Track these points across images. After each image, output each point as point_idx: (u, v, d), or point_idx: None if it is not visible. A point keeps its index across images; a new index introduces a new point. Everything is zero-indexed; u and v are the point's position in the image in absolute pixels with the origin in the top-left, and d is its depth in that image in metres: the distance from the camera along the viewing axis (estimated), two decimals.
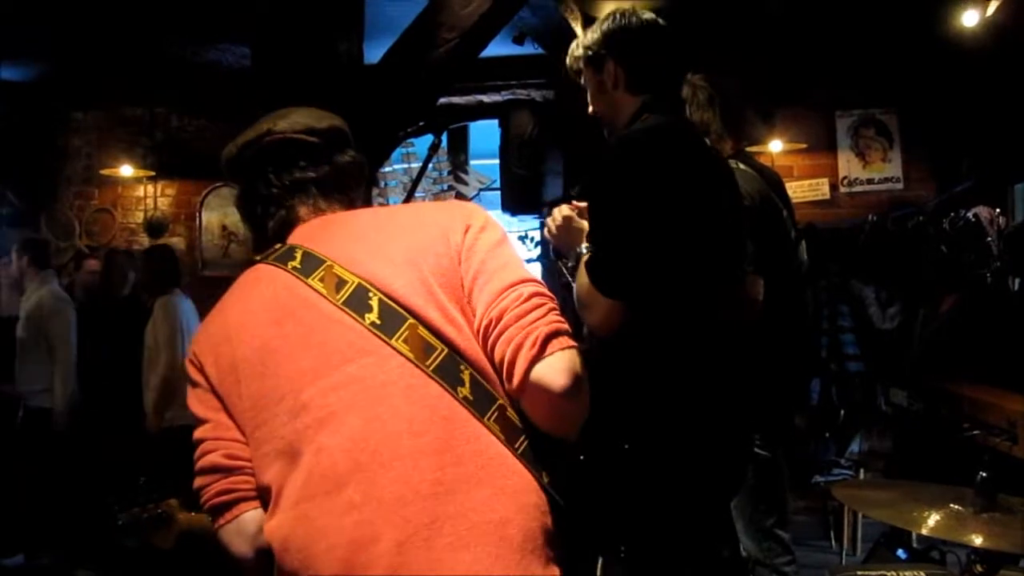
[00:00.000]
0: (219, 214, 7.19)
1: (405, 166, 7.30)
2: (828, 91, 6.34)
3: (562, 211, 2.48)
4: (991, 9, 4.74)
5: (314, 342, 1.53)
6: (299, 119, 1.78)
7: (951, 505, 2.32)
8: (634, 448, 2.11)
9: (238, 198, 1.82)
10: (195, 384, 1.61)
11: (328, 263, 1.59)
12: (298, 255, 1.62)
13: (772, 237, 3.10)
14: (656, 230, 2.14)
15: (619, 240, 2.16)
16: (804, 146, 6.35)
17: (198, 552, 2.15)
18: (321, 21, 3.47)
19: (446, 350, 1.51)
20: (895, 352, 5.56)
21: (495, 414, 1.49)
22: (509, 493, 1.44)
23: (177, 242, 7.26)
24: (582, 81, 2.54)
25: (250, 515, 1.53)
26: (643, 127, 2.34)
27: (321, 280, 1.57)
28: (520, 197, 6.40)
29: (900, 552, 3.71)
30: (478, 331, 1.54)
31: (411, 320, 1.51)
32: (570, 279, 2.45)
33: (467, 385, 1.49)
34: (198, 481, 1.56)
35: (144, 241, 7.28)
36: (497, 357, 1.51)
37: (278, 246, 1.69)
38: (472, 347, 1.53)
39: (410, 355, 1.49)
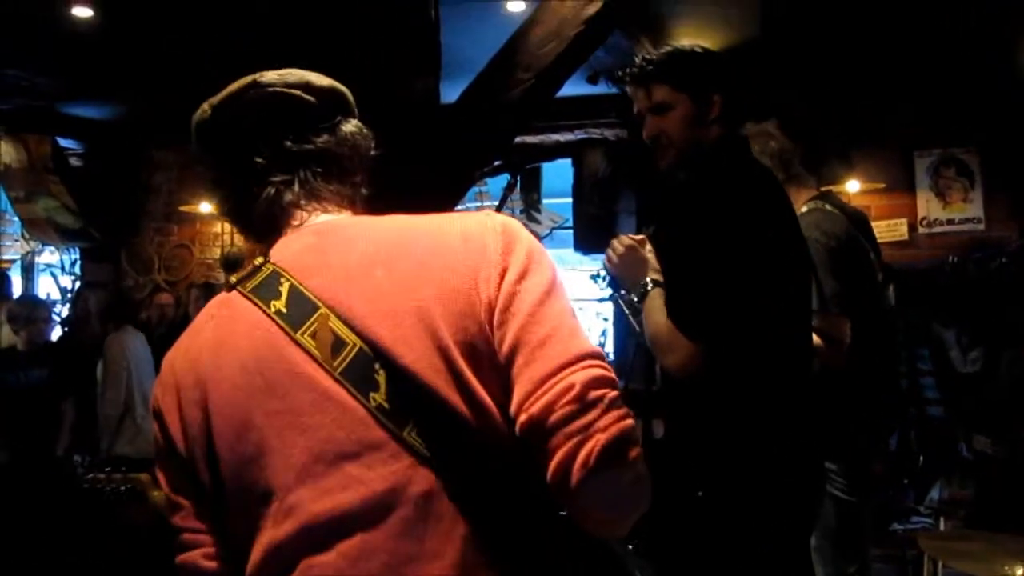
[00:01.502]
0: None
1: (478, 204, 7.33)
2: (906, 130, 6.25)
3: (623, 241, 2.42)
4: None
5: (306, 425, 1.21)
6: (292, 71, 1.43)
7: None
8: (709, 496, 2.07)
9: (212, 179, 1.46)
10: (159, 449, 1.34)
11: (322, 311, 1.24)
12: (283, 290, 1.28)
13: (858, 278, 3.06)
14: (743, 269, 2.09)
15: (705, 278, 2.11)
16: (882, 186, 6.26)
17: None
18: (399, 59, 3.51)
19: (470, 451, 1.20)
20: (977, 397, 5.42)
21: (526, 525, 1.23)
22: None
23: None
24: (652, 98, 2.42)
25: None
26: (729, 161, 2.31)
27: (313, 336, 1.23)
28: (593, 236, 6.39)
29: None
30: (515, 418, 1.20)
31: (426, 405, 1.19)
32: (629, 313, 2.41)
33: (495, 494, 1.21)
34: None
35: (220, 277, 7.39)
36: (540, 462, 1.18)
37: (259, 263, 1.35)
38: (501, 440, 1.21)
39: (425, 453, 1.18)
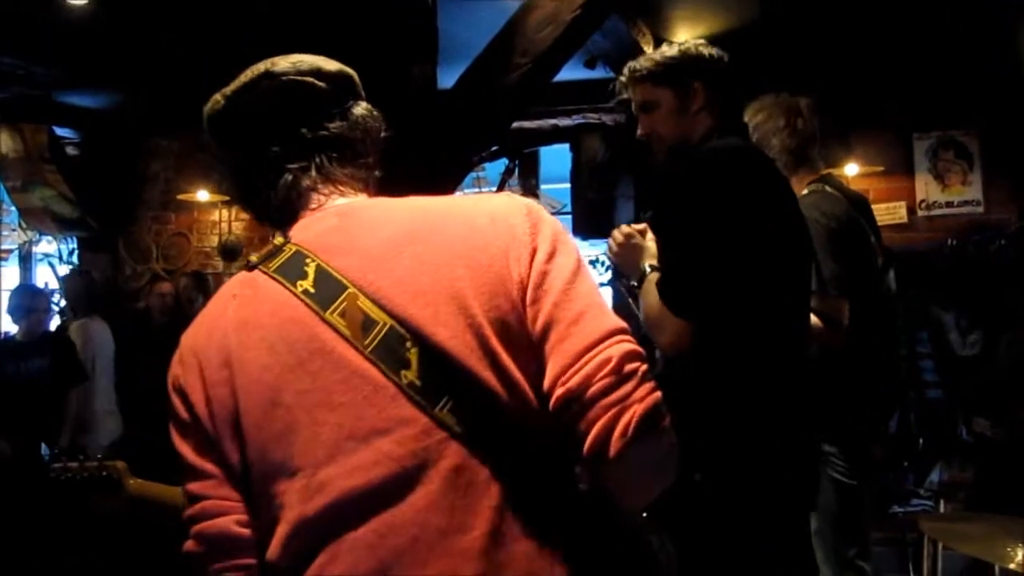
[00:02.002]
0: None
1: (476, 190, 7.33)
2: (905, 113, 6.23)
3: (623, 230, 2.46)
4: None
5: (336, 403, 1.21)
6: (302, 58, 1.43)
7: None
8: (707, 478, 2.07)
9: (226, 167, 1.46)
10: (181, 421, 1.32)
11: (351, 290, 1.24)
12: (310, 271, 1.28)
13: (858, 261, 3.05)
14: (731, 249, 2.12)
15: (692, 259, 2.14)
16: (881, 169, 6.24)
17: (149, 522, 1.95)
18: (395, 45, 3.50)
19: (503, 426, 1.21)
20: (976, 379, 5.43)
21: (557, 500, 1.24)
22: None
23: None
24: (638, 98, 2.50)
25: None
26: (719, 146, 2.33)
27: (342, 315, 1.23)
28: (591, 221, 6.38)
29: None
30: (549, 393, 1.21)
31: (459, 381, 1.20)
32: (630, 299, 2.43)
33: (527, 469, 1.21)
34: (194, 546, 1.30)
35: (218, 265, 7.38)
36: (578, 434, 1.20)
37: (280, 242, 1.35)
38: (532, 416, 1.23)
39: (458, 430, 1.18)
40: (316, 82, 1.40)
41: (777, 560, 2.28)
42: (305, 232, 1.36)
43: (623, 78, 2.51)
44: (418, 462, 1.17)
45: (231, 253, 7.36)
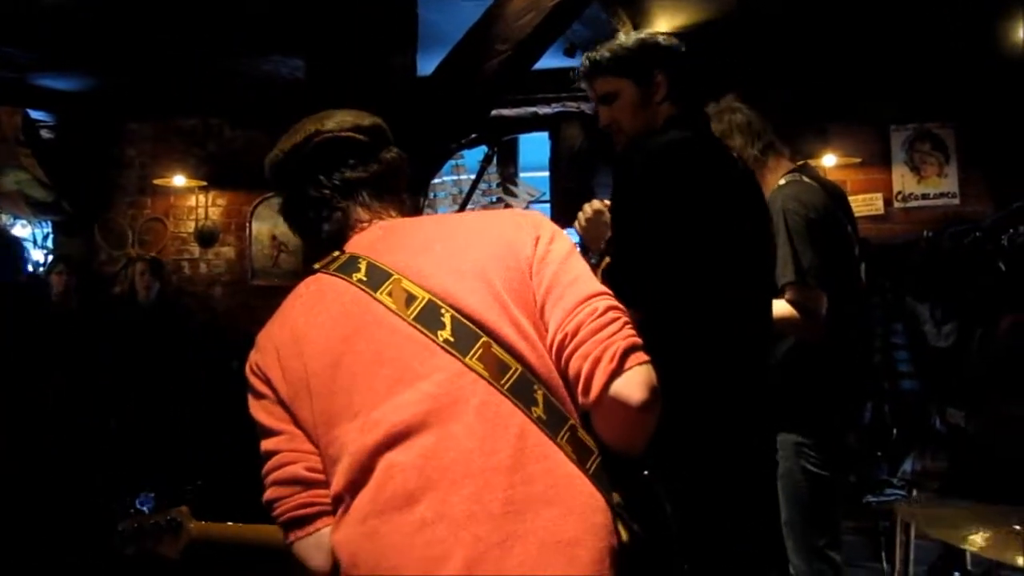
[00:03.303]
0: (269, 224, 7.24)
1: (455, 178, 7.32)
2: (882, 105, 6.27)
3: (593, 206, 2.48)
4: None
5: (386, 358, 1.50)
6: (345, 118, 1.76)
7: (1015, 526, 2.28)
8: (653, 474, 2.07)
9: (285, 205, 1.79)
10: (260, 395, 1.59)
11: (395, 276, 1.56)
12: (362, 266, 1.60)
13: (835, 252, 3.06)
14: (673, 243, 2.13)
15: (634, 250, 2.17)
16: (858, 160, 6.28)
17: (204, 563, 2.10)
18: (375, 33, 3.48)
19: (520, 369, 1.49)
20: (950, 371, 5.47)
21: (567, 434, 1.47)
22: (578, 513, 1.41)
23: (227, 252, 7.34)
24: (598, 90, 2.51)
25: (329, 530, 1.51)
26: (665, 140, 2.32)
27: (389, 294, 1.55)
28: (570, 209, 6.35)
29: (956, 575, 3.64)
30: (551, 346, 1.52)
31: (485, 338, 1.49)
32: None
33: (540, 405, 1.47)
34: (273, 492, 1.54)
35: (195, 251, 7.36)
36: (572, 372, 1.50)
37: (337, 254, 1.67)
38: (545, 364, 1.52)
39: (485, 374, 1.47)
40: (356, 135, 1.74)
41: (736, 553, 2.29)
42: (357, 243, 1.68)
43: (583, 68, 2.54)
44: (452, 399, 1.45)
45: (208, 239, 7.33)
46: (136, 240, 7.45)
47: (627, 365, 1.46)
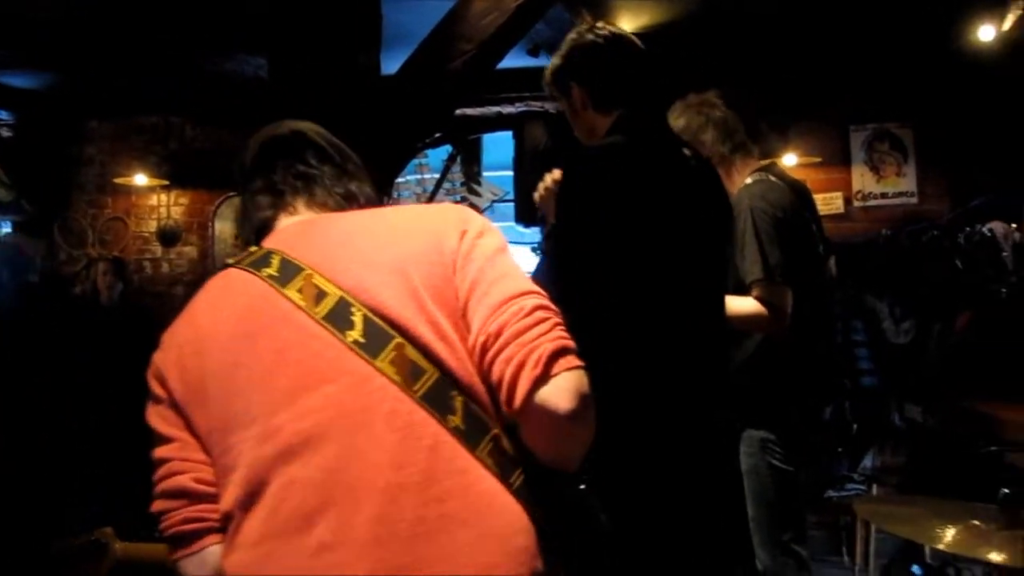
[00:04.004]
0: (232, 223, 7.19)
1: (418, 177, 7.30)
2: (842, 105, 6.33)
3: (554, 176, 2.46)
4: (1007, 24, 4.74)
5: (290, 360, 1.37)
6: (317, 127, 1.75)
7: (972, 521, 2.31)
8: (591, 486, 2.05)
9: (242, 202, 1.73)
10: (157, 399, 1.46)
11: (307, 271, 1.44)
12: (275, 261, 1.48)
13: (801, 250, 3.10)
14: (608, 244, 2.14)
15: (572, 254, 2.18)
16: (818, 160, 6.34)
17: None
18: (339, 32, 3.48)
19: (436, 373, 1.35)
20: (909, 367, 5.54)
21: (489, 446, 1.34)
22: (497, 535, 1.29)
23: (190, 251, 7.28)
24: (560, 105, 2.56)
25: (217, 548, 1.38)
26: (601, 145, 2.34)
27: (299, 291, 1.42)
28: (533, 209, 6.38)
29: (915, 568, 3.70)
30: (473, 348, 1.39)
31: (398, 339, 1.36)
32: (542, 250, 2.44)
33: (458, 413, 1.34)
34: (160, 505, 1.42)
35: (157, 250, 7.29)
36: (495, 377, 1.36)
37: (253, 249, 1.55)
38: (465, 368, 1.38)
39: (396, 378, 1.33)
40: (318, 140, 1.72)
41: (685, 558, 2.29)
42: (276, 238, 1.59)
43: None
44: (359, 407, 1.32)
45: (170, 238, 7.27)
46: (96, 240, 7.37)
47: (554, 371, 1.33)
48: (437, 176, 7.14)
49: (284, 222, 1.63)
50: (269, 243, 1.56)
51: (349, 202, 1.68)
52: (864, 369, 5.75)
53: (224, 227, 7.23)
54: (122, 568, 2.04)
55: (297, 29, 3.50)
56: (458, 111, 6.20)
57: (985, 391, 4.25)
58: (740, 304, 2.91)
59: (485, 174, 7.27)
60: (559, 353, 1.35)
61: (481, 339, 1.38)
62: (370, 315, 1.38)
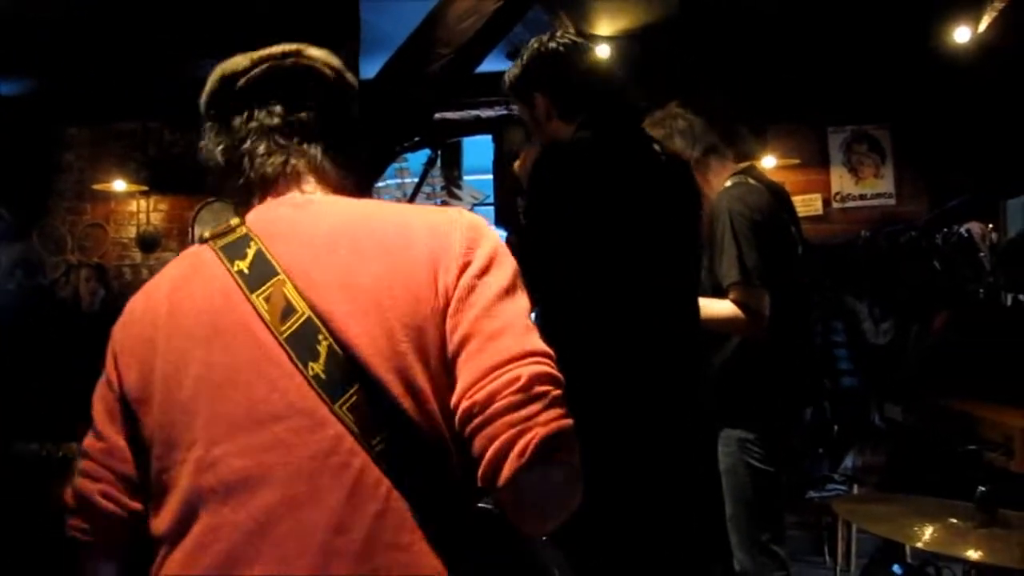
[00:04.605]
0: (212, 229, 7.14)
1: (399, 181, 7.29)
2: (820, 107, 6.35)
3: (538, 148, 2.46)
4: (982, 26, 4.77)
5: (240, 381, 1.23)
6: (330, 59, 1.50)
7: (950, 520, 2.32)
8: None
9: (216, 124, 1.48)
10: (107, 379, 1.37)
11: (279, 277, 1.27)
12: (250, 253, 1.32)
13: (779, 252, 3.11)
14: (566, 239, 2.14)
15: (530, 246, 2.17)
16: (797, 162, 6.36)
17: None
18: (317, 36, 3.46)
19: (399, 431, 1.20)
20: (888, 367, 5.56)
21: (447, 520, 1.20)
22: None
23: (170, 257, 7.24)
24: (520, 115, 2.56)
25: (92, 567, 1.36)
26: (567, 141, 2.34)
27: (267, 299, 1.26)
28: (514, 212, 6.40)
29: (896, 568, 3.71)
30: (455, 408, 1.21)
31: (361, 383, 1.20)
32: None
33: (421, 477, 1.19)
34: (69, 499, 1.37)
35: (136, 256, 7.26)
36: (476, 451, 1.18)
37: (234, 224, 1.38)
38: (433, 427, 1.21)
39: (354, 428, 1.18)
40: (333, 79, 1.47)
41: (678, 555, 2.29)
42: (259, 216, 1.39)
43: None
44: (310, 454, 1.18)
45: (149, 244, 7.24)
46: (75, 246, 7.33)
47: (543, 462, 1.15)
48: (417, 180, 7.12)
49: (276, 194, 1.42)
50: (251, 219, 1.39)
51: (341, 188, 1.47)
52: (844, 370, 5.76)
53: (203, 232, 7.16)
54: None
55: (274, 34, 3.48)
56: (437, 115, 6.20)
57: (963, 390, 4.27)
58: (717, 307, 2.92)
59: (465, 178, 7.27)
60: (550, 441, 1.15)
61: (465, 404, 1.19)
62: (335, 348, 1.21)
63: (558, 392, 1.20)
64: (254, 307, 1.26)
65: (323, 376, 1.20)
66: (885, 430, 5.47)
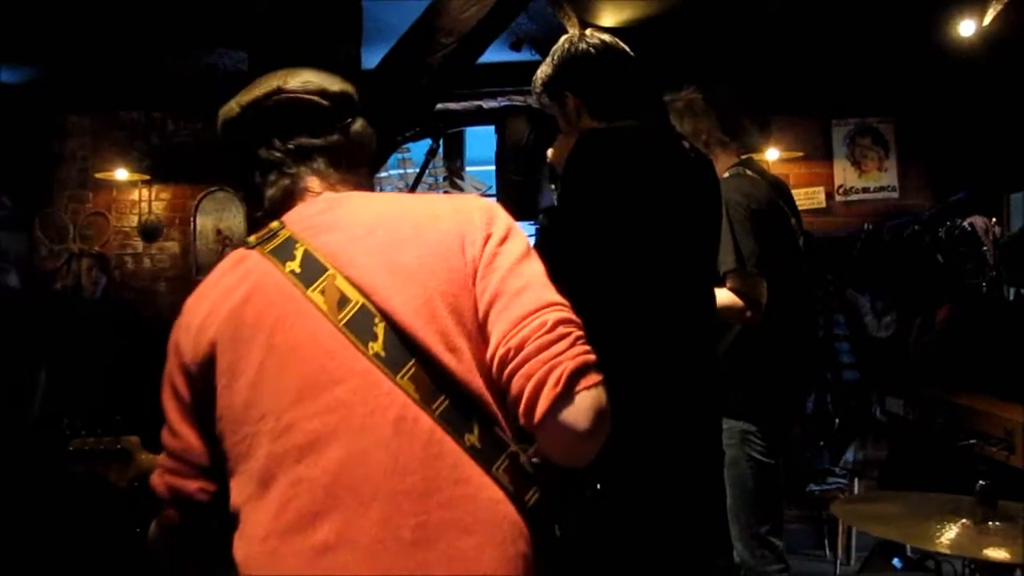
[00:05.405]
0: (214, 218, 7.16)
1: (401, 171, 7.29)
2: (824, 100, 6.34)
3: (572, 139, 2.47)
4: (987, 19, 4.75)
5: (303, 357, 1.39)
6: (310, 79, 1.64)
7: (949, 515, 2.31)
8: (599, 490, 2.04)
9: (233, 163, 1.67)
10: (172, 376, 1.50)
11: (330, 272, 1.43)
12: (298, 254, 1.46)
13: (778, 242, 3.11)
14: (599, 226, 2.15)
15: (562, 232, 2.20)
16: (800, 154, 6.35)
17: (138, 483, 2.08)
18: (319, 26, 3.46)
19: (454, 393, 1.37)
20: (890, 361, 5.56)
21: (505, 463, 1.37)
22: (496, 543, 1.32)
23: (171, 246, 7.25)
24: (551, 112, 2.56)
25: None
26: (600, 128, 2.34)
27: (322, 292, 1.42)
28: (516, 203, 6.38)
29: (896, 562, 3.72)
30: (491, 359, 1.40)
31: (416, 357, 1.37)
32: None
33: (475, 432, 1.36)
34: (165, 493, 1.54)
35: (138, 245, 7.25)
36: (514, 391, 1.37)
37: (275, 227, 1.53)
38: (477, 384, 1.39)
39: (415, 395, 1.35)
40: (320, 100, 1.62)
41: (685, 547, 2.29)
42: (297, 216, 1.55)
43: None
44: (368, 410, 1.34)
45: (151, 233, 7.23)
46: (77, 235, 7.32)
47: (575, 389, 1.34)
48: (419, 170, 7.12)
49: (307, 197, 1.60)
50: (291, 221, 1.54)
51: (359, 179, 1.67)
52: (846, 363, 5.76)
53: (206, 222, 7.20)
54: (143, 480, 2.04)
55: (277, 23, 3.47)
56: (440, 105, 6.19)
57: (965, 384, 4.27)
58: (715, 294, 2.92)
59: (468, 168, 7.27)
60: (580, 371, 1.35)
61: (501, 351, 1.38)
62: (391, 329, 1.39)
63: (580, 332, 1.40)
64: (311, 301, 1.42)
65: (383, 354, 1.37)
66: (886, 423, 5.47)
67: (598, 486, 1.59)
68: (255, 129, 1.62)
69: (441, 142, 6.30)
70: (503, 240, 1.47)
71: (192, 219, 7.20)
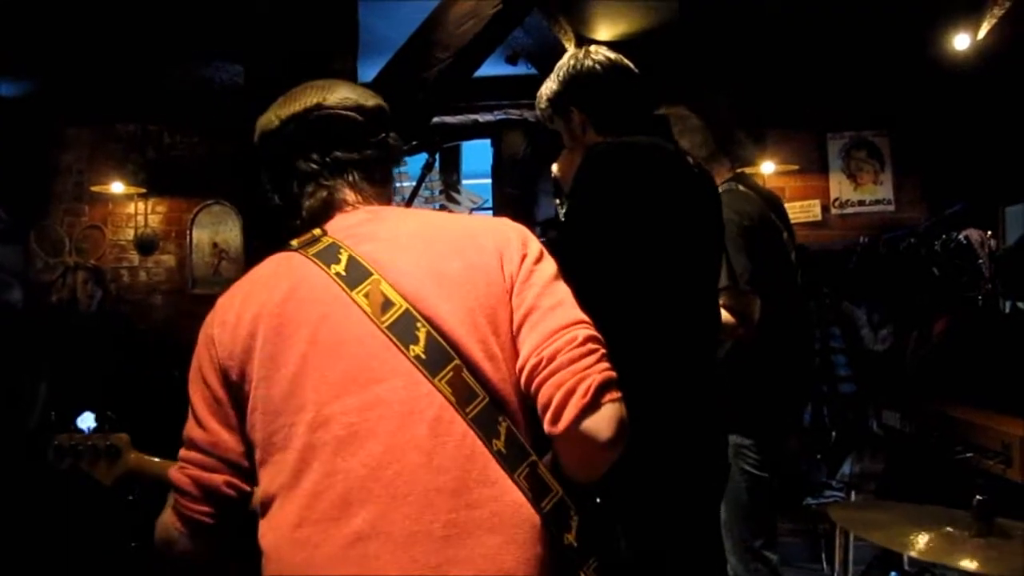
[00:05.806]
0: (210, 231, 7.17)
1: (397, 184, 7.29)
2: (820, 113, 6.36)
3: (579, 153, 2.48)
4: (982, 33, 4.77)
5: (346, 354, 1.45)
6: (348, 95, 1.70)
7: (947, 528, 2.30)
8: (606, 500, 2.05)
9: (268, 173, 1.72)
10: (203, 370, 1.55)
11: (375, 277, 1.50)
12: (343, 258, 1.53)
13: (771, 257, 3.11)
14: (607, 238, 2.15)
15: (573, 247, 2.18)
16: (796, 168, 6.36)
17: (135, 496, 2.07)
18: (316, 39, 3.46)
19: (487, 397, 1.45)
20: (887, 374, 5.55)
21: (526, 471, 1.44)
22: (519, 543, 1.40)
23: (167, 260, 7.24)
24: (554, 127, 2.56)
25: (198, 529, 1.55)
26: (614, 142, 2.34)
27: (366, 295, 1.49)
28: (512, 217, 6.35)
29: (893, 575, 3.70)
30: (522, 368, 1.48)
31: (456, 361, 1.45)
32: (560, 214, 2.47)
33: (502, 438, 1.44)
34: (189, 487, 1.54)
35: (134, 258, 7.25)
36: (543, 399, 1.45)
37: (318, 233, 1.60)
38: (508, 391, 1.49)
39: (452, 398, 1.43)
40: (356, 116, 1.68)
41: (684, 560, 2.29)
42: (339, 224, 1.62)
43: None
44: (407, 409, 1.41)
45: (147, 246, 7.23)
46: (73, 248, 7.32)
47: (601, 400, 1.42)
48: (415, 184, 7.13)
49: (344, 209, 1.66)
50: (333, 229, 1.61)
51: (387, 191, 1.75)
52: (842, 376, 5.76)
53: (202, 235, 7.20)
54: (131, 478, 2.09)
55: (273, 36, 3.48)
56: (436, 119, 6.20)
57: (961, 397, 4.26)
58: None
59: (464, 182, 7.28)
60: (606, 385, 1.44)
61: (533, 360, 1.47)
62: (433, 333, 1.46)
63: (604, 350, 1.49)
64: (355, 302, 1.48)
65: (424, 356, 1.44)
66: (883, 436, 5.46)
67: (598, 500, 1.61)
68: (294, 141, 1.67)
69: (437, 156, 6.33)
70: (538, 260, 1.57)
71: (188, 232, 7.20)
